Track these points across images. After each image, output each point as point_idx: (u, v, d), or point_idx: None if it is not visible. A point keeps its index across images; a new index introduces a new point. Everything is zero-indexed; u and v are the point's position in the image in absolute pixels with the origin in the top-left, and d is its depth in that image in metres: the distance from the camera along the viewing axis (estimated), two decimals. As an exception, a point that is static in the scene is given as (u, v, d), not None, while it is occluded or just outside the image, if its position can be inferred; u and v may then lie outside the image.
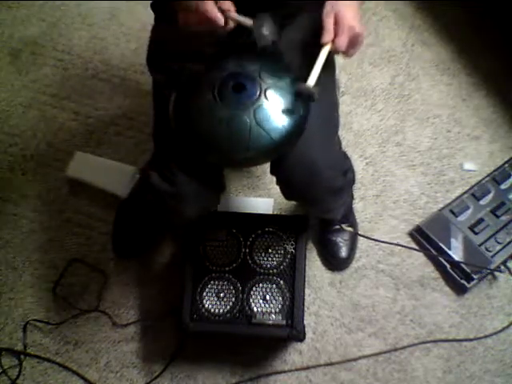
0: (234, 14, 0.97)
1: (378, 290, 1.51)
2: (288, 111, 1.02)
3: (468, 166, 1.66)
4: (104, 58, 1.87)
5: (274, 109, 1.01)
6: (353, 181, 1.39)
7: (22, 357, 1.46)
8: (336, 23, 0.99)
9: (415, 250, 1.53)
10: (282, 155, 1.09)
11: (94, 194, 1.63)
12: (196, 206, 1.15)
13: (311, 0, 1.08)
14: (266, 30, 0.98)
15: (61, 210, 1.63)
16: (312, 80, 0.99)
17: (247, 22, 0.98)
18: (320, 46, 1.00)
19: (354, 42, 1.01)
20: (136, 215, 1.54)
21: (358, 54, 1.84)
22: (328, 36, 0.98)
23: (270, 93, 1.02)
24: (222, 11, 0.96)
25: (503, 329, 1.45)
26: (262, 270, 1.37)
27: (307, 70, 1.00)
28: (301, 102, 1.02)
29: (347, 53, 1.02)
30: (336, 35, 0.98)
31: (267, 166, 1.22)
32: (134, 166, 1.64)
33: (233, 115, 1.00)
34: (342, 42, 0.98)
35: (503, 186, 1.59)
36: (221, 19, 0.96)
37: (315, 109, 1.07)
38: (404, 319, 1.47)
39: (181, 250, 1.54)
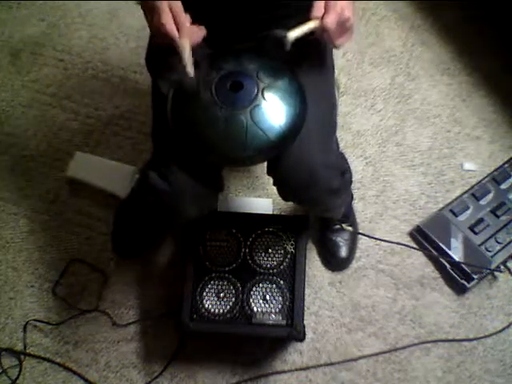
0: (185, 56, 0.98)
1: (378, 290, 1.51)
2: (285, 111, 1.02)
3: (468, 166, 1.66)
4: (104, 58, 1.87)
5: (271, 108, 1.01)
6: (350, 181, 1.39)
7: (22, 357, 1.46)
8: (327, 3, 0.97)
9: (415, 249, 1.53)
10: (278, 155, 1.09)
11: (93, 194, 1.63)
12: (194, 206, 1.15)
13: (300, 1, 1.08)
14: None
15: (61, 210, 1.63)
16: (292, 34, 0.97)
17: (189, 74, 0.98)
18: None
19: (343, 28, 0.99)
20: (136, 215, 1.54)
21: (357, 54, 1.87)
22: (317, 11, 0.97)
23: (268, 92, 1.02)
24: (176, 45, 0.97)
25: (503, 329, 1.45)
26: (262, 270, 1.37)
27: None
28: (269, 46, 1.00)
29: (335, 39, 1.00)
30: (325, 13, 0.97)
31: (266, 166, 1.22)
32: (133, 166, 1.64)
33: (230, 114, 1.00)
34: (331, 20, 0.96)
35: (503, 186, 1.59)
36: (175, 35, 0.97)
37: (313, 109, 1.07)
38: (404, 319, 1.47)
39: (181, 250, 1.54)
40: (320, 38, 1.01)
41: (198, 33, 1.02)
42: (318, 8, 0.97)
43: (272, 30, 0.99)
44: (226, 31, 1.12)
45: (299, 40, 1.07)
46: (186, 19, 0.99)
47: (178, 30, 0.98)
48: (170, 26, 0.97)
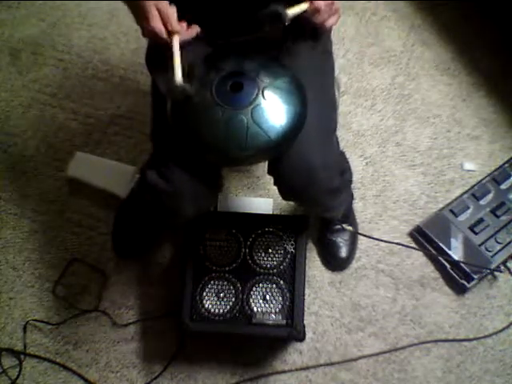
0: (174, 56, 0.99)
1: (378, 290, 1.51)
2: (286, 110, 1.02)
3: (468, 166, 1.66)
4: (104, 58, 1.87)
5: (271, 108, 1.01)
6: (350, 181, 1.39)
7: (22, 357, 1.46)
8: None
9: (415, 249, 1.53)
10: (279, 154, 1.09)
11: (93, 194, 1.63)
12: (193, 205, 1.15)
13: None
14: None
15: (61, 210, 1.63)
16: (290, 11, 1.00)
17: (176, 79, 0.99)
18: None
19: (331, 9, 1.03)
20: (136, 215, 1.54)
21: (357, 54, 1.87)
22: None
23: (268, 92, 1.02)
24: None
25: (503, 329, 1.45)
26: (262, 270, 1.37)
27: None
28: (267, 21, 1.01)
29: (325, 20, 1.04)
30: None
31: (266, 166, 1.22)
32: (133, 166, 1.64)
33: (230, 114, 1.00)
34: (320, 1, 1.01)
35: (503, 186, 1.59)
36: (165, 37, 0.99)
37: (313, 109, 1.07)
38: (404, 319, 1.47)
39: (181, 250, 1.54)
40: (312, 19, 1.04)
41: (190, 31, 1.03)
42: None
43: (270, 6, 1.00)
44: (223, 26, 1.12)
45: (299, 39, 1.08)
46: (174, 17, 0.99)
47: (167, 29, 0.99)
48: (160, 29, 0.99)
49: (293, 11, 1.00)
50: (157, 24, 0.98)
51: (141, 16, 1.00)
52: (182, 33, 1.02)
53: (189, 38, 1.04)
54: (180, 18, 1.01)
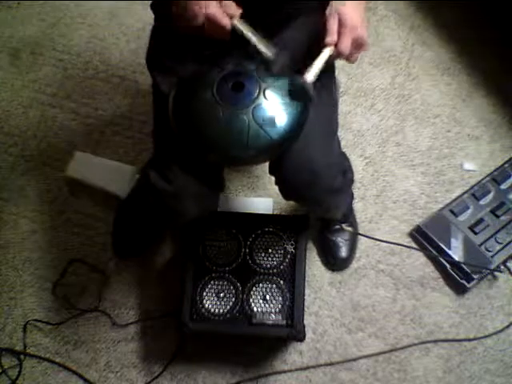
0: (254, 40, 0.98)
1: (378, 290, 1.51)
2: (287, 110, 1.02)
3: (468, 166, 1.66)
4: (104, 58, 1.87)
5: (272, 108, 1.01)
6: (351, 181, 1.39)
7: (22, 357, 1.46)
8: (340, 25, 0.96)
9: (415, 249, 1.53)
10: (280, 155, 1.09)
11: (93, 194, 1.63)
12: (195, 206, 1.15)
13: (308, 0, 1.08)
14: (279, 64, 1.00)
15: (61, 210, 1.63)
16: (310, 76, 0.98)
17: (268, 53, 0.99)
18: (322, 47, 0.99)
19: (356, 45, 0.99)
20: (136, 215, 1.54)
21: (357, 54, 1.86)
22: (331, 37, 0.96)
23: (269, 92, 1.02)
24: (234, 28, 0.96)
25: (503, 329, 1.45)
26: (262, 270, 1.37)
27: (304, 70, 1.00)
28: (296, 99, 1.01)
29: (350, 57, 1.00)
30: (339, 38, 0.96)
31: (267, 166, 1.22)
32: (133, 166, 1.64)
33: (231, 114, 1.00)
34: (345, 45, 0.96)
35: (503, 186, 1.59)
36: (228, 27, 0.97)
37: (315, 109, 1.07)
38: (404, 319, 1.47)
39: (181, 250, 1.54)
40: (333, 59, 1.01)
41: (238, 10, 0.99)
42: (331, 33, 0.96)
43: (290, 79, 1.00)
44: (253, 4, 1.10)
45: (298, 41, 1.07)
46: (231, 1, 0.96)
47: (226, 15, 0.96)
48: (220, 15, 0.95)
49: (313, 73, 0.97)
50: (215, 9, 0.95)
51: (194, 3, 0.96)
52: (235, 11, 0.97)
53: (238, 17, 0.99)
54: None
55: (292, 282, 1.35)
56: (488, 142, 1.70)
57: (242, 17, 0.99)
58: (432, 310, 1.48)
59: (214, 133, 1.01)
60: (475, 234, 1.51)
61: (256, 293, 1.35)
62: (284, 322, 1.32)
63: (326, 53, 0.98)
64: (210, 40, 1.05)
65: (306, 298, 1.36)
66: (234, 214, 1.52)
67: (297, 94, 1.01)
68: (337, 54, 0.98)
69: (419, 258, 1.54)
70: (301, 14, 1.10)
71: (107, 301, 1.51)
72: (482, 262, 1.47)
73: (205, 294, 1.35)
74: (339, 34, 0.96)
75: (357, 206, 1.60)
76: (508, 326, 1.46)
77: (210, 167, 1.13)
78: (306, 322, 1.34)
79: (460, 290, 1.49)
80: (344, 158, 1.35)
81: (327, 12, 0.99)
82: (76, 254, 1.57)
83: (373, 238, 1.50)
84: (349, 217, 1.53)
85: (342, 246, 1.51)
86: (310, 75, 0.99)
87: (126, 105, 1.78)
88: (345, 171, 1.27)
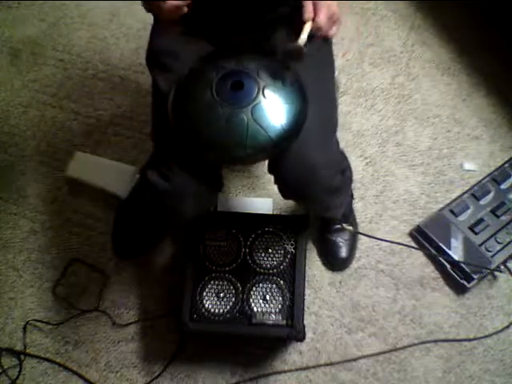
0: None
1: (378, 290, 1.51)
2: (286, 109, 1.02)
3: (468, 166, 1.66)
4: (104, 58, 1.87)
5: (271, 107, 1.01)
6: (350, 180, 1.39)
7: (22, 357, 1.46)
8: (315, 3, 1.01)
9: (415, 249, 1.53)
10: (279, 153, 1.09)
11: (93, 194, 1.63)
12: (194, 205, 1.16)
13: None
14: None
15: (61, 210, 1.63)
16: (301, 40, 1.00)
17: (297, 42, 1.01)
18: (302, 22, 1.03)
19: (332, 21, 1.03)
20: (136, 215, 1.54)
21: (357, 54, 1.87)
22: (308, 12, 1.01)
23: (268, 91, 1.02)
24: None
25: (503, 329, 1.45)
26: (262, 270, 1.37)
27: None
28: (288, 60, 1.03)
29: (328, 32, 1.04)
30: (315, 14, 1.01)
31: (266, 166, 1.22)
32: (133, 166, 1.64)
33: (231, 113, 1.01)
34: (321, 18, 1.01)
35: (503, 186, 1.59)
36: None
37: (314, 108, 1.07)
38: (404, 319, 1.47)
39: (181, 250, 1.54)
40: (315, 33, 1.04)
41: None
42: (308, 10, 1.01)
43: (283, 45, 1.02)
44: (225, 25, 1.12)
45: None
46: None
47: None
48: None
49: (303, 38, 1.00)
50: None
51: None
52: None
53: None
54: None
55: (292, 282, 1.35)
56: (488, 142, 1.70)
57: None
58: (432, 310, 1.48)
59: (213, 132, 1.01)
60: (475, 234, 1.51)
61: (256, 293, 1.35)
62: (284, 322, 1.32)
63: (307, 26, 1.02)
64: (209, 38, 1.05)
65: (306, 297, 1.36)
66: (234, 214, 1.53)
67: (287, 52, 1.02)
68: (315, 29, 1.02)
69: (419, 258, 1.54)
70: (287, 2, 1.12)
71: (107, 301, 1.51)
72: (482, 262, 1.47)
73: (205, 293, 1.35)
74: (315, 11, 1.01)
75: (357, 205, 1.60)
76: (508, 326, 1.46)
77: (208, 166, 1.13)
78: (306, 321, 1.34)
79: (460, 289, 1.49)
80: (343, 157, 1.35)
81: None
82: (76, 254, 1.57)
83: (373, 237, 1.50)
84: (349, 217, 1.53)
85: (342, 245, 1.51)
86: (301, 41, 1.00)
87: (126, 105, 1.78)
88: (344, 170, 1.28)
